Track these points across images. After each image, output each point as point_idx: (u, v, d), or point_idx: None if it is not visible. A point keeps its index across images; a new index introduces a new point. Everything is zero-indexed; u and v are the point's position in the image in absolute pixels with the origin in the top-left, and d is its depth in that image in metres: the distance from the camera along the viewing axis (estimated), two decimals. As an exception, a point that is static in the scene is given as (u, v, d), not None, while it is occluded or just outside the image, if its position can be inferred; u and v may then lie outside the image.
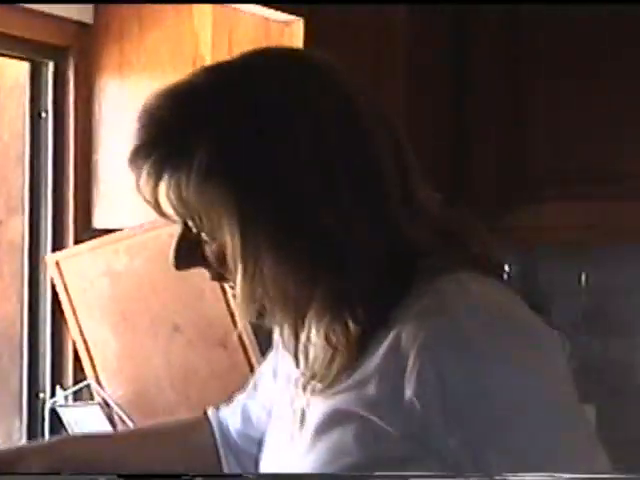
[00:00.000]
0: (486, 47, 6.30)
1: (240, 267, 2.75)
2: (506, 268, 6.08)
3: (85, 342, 4.95)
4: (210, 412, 3.50)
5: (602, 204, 5.98)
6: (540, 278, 6.50)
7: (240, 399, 3.40)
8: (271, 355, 3.24)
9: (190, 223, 2.82)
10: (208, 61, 5.12)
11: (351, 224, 2.77)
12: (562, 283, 6.49)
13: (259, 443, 3.21)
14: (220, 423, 3.43)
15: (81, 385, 4.98)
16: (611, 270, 6.45)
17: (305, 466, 2.87)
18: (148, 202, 2.82)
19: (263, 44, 5.01)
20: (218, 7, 5.16)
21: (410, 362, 2.68)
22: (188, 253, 2.86)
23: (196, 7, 5.19)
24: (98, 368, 4.94)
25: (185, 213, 2.78)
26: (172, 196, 2.77)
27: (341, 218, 2.77)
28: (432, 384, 2.66)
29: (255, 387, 3.36)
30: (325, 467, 2.85)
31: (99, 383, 4.96)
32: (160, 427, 3.99)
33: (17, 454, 3.47)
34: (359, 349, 2.77)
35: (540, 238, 6.23)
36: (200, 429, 3.44)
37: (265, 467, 3.20)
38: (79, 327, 4.98)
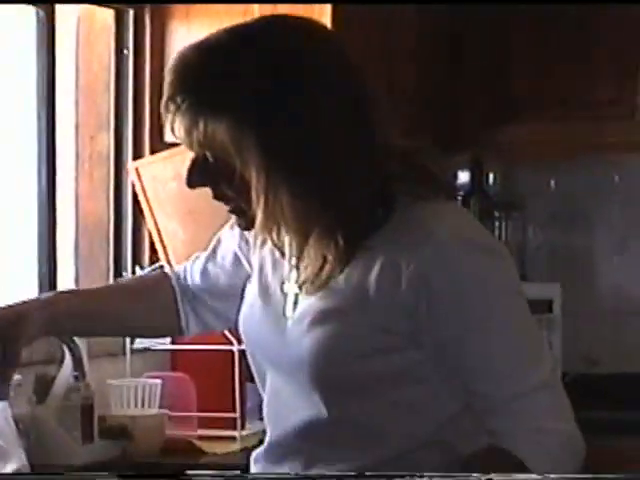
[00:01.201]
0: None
1: (262, 199, 2.95)
2: (491, 177, 6.79)
3: (159, 232, 5.28)
4: (168, 270, 3.69)
5: (559, 127, 6.39)
6: (519, 184, 6.83)
7: (198, 260, 3.49)
8: (231, 236, 3.38)
9: (211, 157, 3.00)
10: (256, 14, 5.30)
11: (345, 164, 3.02)
12: (535, 186, 6.84)
13: (218, 297, 3.46)
14: (179, 278, 3.51)
15: (155, 266, 5.26)
16: (574, 177, 6.81)
17: (302, 347, 3.08)
18: (182, 140, 2.98)
19: (299, 11, 5.64)
20: None
21: (404, 277, 2.98)
22: (199, 176, 3.04)
23: None
24: (169, 253, 5.27)
25: (215, 152, 2.97)
26: (206, 137, 2.97)
27: (339, 160, 3.01)
28: (422, 292, 2.99)
29: (214, 252, 3.47)
30: (320, 351, 3.05)
31: (169, 264, 5.15)
32: (132, 283, 4.34)
33: (19, 312, 3.39)
34: (343, 264, 3.04)
35: (519, 152, 6.66)
36: (162, 284, 3.54)
37: (246, 329, 3.35)
38: (154, 221, 5.32)
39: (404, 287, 3.00)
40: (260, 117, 3.01)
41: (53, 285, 5.26)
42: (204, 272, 3.48)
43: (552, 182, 6.82)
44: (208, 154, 3.01)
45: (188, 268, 3.54)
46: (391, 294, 3.01)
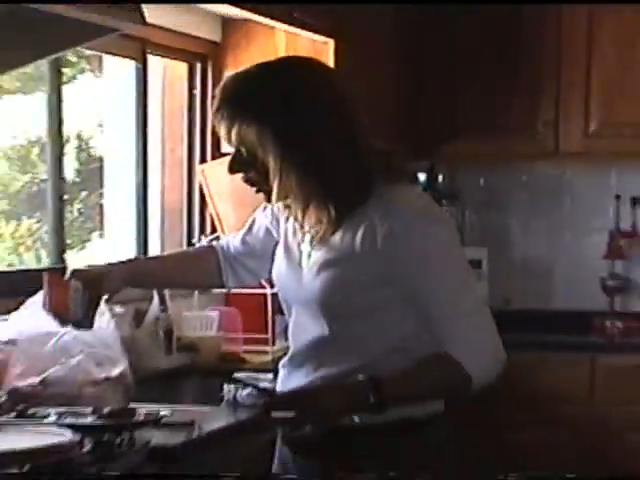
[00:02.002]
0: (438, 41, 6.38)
1: (277, 179, 3.04)
2: (440, 177, 6.60)
3: (217, 214, 5.25)
4: (215, 242, 3.75)
5: (486, 142, 6.29)
6: (458, 182, 6.73)
7: (238, 235, 3.54)
8: (264, 216, 3.42)
9: (244, 152, 3.08)
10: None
11: (336, 157, 3.08)
12: (469, 183, 6.77)
13: (252, 259, 3.50)
14: (222, 248, 3.54)
15: (212, 236, 5.28)
16: (498, 177, 6.75)
17: (312, 288, 3.15)
18: (224, 139, 3.11)
19: (311, 54, 5.19)
20: (289, 32, 5.25)
21: (379, 235, 3.03)
22: (236, 165, 3.11)
23: (277, 32, 5.30)
24: (224, 228, 5.22)
25: (246, 147, 3.04)
26: (239, 137, 3.04)
27: (331, 155, 3.07)
28: (391, 246, 3.03)
29: (250, 227, 3.49)
30: (324, 288, 3.11)
31: (224, 234, 5.08)
32: (188, 252, 4.45)
33: (106, 269, 3.45)
34: (335, 226, 3.11)
35: (458, 160, 6.62)
36: (210, 252, 3.57)
37: (278, 278, 3.37)
38: (214, 206, 5.27)
39: (379, 243, 3.04)
40: (275, 125, 3.04)
41: (145, 250, 5.24)
42: (243, 241, 3.50)
43: (481, 180, 6.77)
44: (242, 149, 3.07)
45: (230, 240, 3.59)
46: (370, 248, 3.05)
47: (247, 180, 3.16)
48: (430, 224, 3.14)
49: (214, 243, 3.74)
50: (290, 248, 3.32)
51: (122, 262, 3.72)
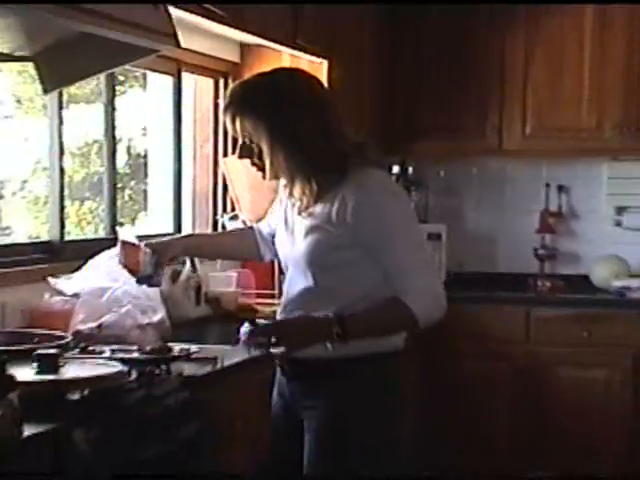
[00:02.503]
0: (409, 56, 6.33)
1: (269, 160, 3.08)
2: (410, 169, 6.45)
3: (236, 197, 5.17)
4: (254, 225, 3.67)
5: (445, 142, 6.24)
6: (423, 173, 6.61)
7: (265, 221, 3.53)
8: (279, 207, 3.33)
9: (247, 140, 3.10)
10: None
11: (314, 144, 3.08)
12: (432, 174, 6.64)
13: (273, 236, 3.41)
14: (257, 228, 3.53)
15: (233, 214, 5.19)
16: (454, 169, 6.63)
17: (300, 249, 3.16)
18: (232, 131, 3.14)
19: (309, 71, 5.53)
20: (293, 55, 5.16)
21: (349, 206, 3.01)
22: (243, 152, 3.12)
23: (283, 55, 5.18)
24: (241, 208, 5.15)
25: (247, 135, 3.07)
26: (242, 129, 3.07)
27: (310, 142, 3.07)
28: (358, 217, 3.03)
29: (272, 215, 3.45)
30: (310, 249, 3.12)
31: (240, 212, 5.12)
32: (234, 232, 4.30)
33: (170, 240, 3.58)
34: (316, 198, 3.11)
35: (423, 156, 6.48)
36: (250, 233, 3.56)
37: (279, 246, 3.39)
38: (233, 191, 5.19)
39: (348, 213, 3.03)
40: (267, 118, 3.06)
41: (179, 224, 5.19)
42: (269, 225, 3.48)
43: (441, 172, 6.66)
44: (245, 139, 3.10)
45: (261, 224, 3.57)
46: (342, 217, 3.04)
47: (252, 164, 3.16)
48: (388, 198, 3.12)
49: (253, 225, 3.72)
50: (287, 220, 3.30)
51: (183, 236, 3.93)
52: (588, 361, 5.80)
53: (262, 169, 3.17)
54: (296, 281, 3.26)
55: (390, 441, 3.26)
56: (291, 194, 3.23)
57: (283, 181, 3.24)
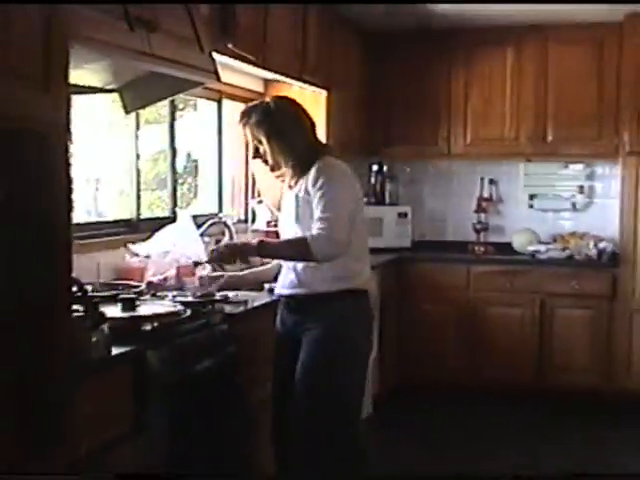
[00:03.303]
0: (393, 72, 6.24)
1: (270, 157, 3.16)
2: (385, 167, 6.34)
3: (259, 189, 5.08)
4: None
5: (411, 148, 6.20)
6: (391, 169, 6.42)
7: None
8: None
9: (257, 145, 3.19)
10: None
11: (299, 145, 3.14)
12: (401, 171, 6.49)
13: None
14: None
15: (258, 199, 5.04)
16: (417, 167, 6.51)
17: (290, 210, 3.17)
18: (244, 136, 3.26)
19: (312, 99, 5.20)
20: (301, 87, 5.06)
21: (311, 177, 3.06)
22: (255, 153, 3.22)
23: (293, 87, 5.07)
24: (263, 197, 5.01)
25: (257, 141, 3.16)
26: (252, 136, 3.17)
27: (297, 144, 3.13)
28: (313, 182, 3.05)
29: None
30: (295, 211, 3.13)
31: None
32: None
33: (241, 277, 3.59)
34: (298, 178, 3.14)
35: (395, 157, 6.34)
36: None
37: (280, 223, 3.37)
38: (258, 183, 5.07)
39: (310, 183, 3.07)
40: (268, 130, 3.13)
41: (221, 208, 5.07)
42: None
43: (407, 169, 6.55)
44: (256, 142, 3.19)
45: None
46: (308, 192, 3.07)
47: (262, 161, 3.23)
48: (330, 172, 3.09)
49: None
50: (283, 196, 3.33)
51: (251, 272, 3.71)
52: (510, 303, 5.76)
53: (269, 165, 3.22)
54: (287, 232, 3.25)
55: (362, 350, 3.25)
56: (284, 177, 3.22)
57: (278, 172, 3.24)
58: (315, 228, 3.05)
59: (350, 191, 3.14)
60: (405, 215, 6.24)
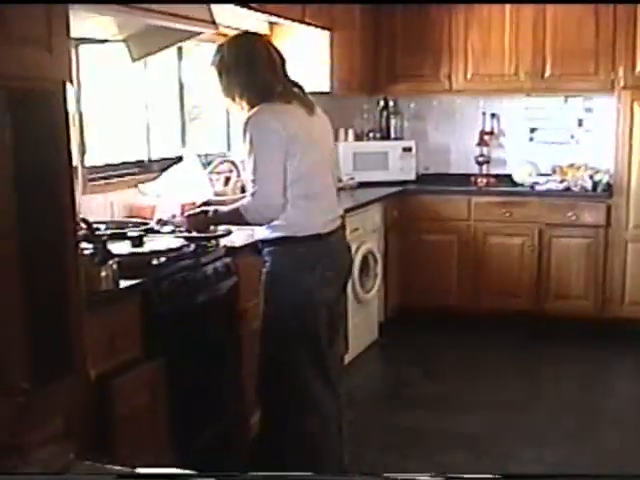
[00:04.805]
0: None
1: (223, 93, 3.02)
2: (390, 103, 6.52)
3: None
4: None
5: (414, 84, 6.21)
6: (395, 105, 6.49)
7: None
8: None
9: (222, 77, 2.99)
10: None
11: (246, 84, 2.96)
12: (406, 106, 6.50)
13: None
14: None
15: None
16: (421, 103, 6.51)
17: None
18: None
19: (316, 40, 5.23)
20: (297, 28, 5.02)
21: (241, 134, 2.91)
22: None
23: (292, 30, 5.02)
24: None
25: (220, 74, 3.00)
26: (217, 69, 3.00)
27: (244, 82, 2.96)
28: (244, 147, 2.91)
29: None
30: None
31: None
32: None
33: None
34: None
35: (399, 93, 6.37)
36: None
37: None
38: None
39: (241, 140, 2.94)
40: (219, 67, 3.03)
41: (229, 146, 5.10)
42: None
43: (412, 105, 6.58)
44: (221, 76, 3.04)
45: None
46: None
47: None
48: (254, 125, 2.91)
49: None
50: None
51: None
52: (509, 232, 5.85)
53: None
54: None
55: (304, 296, 3.04)
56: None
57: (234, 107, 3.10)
58: (248, 194, 2.98)
59: (275, 143, 2.90)
60: (409, 149, 6.30)
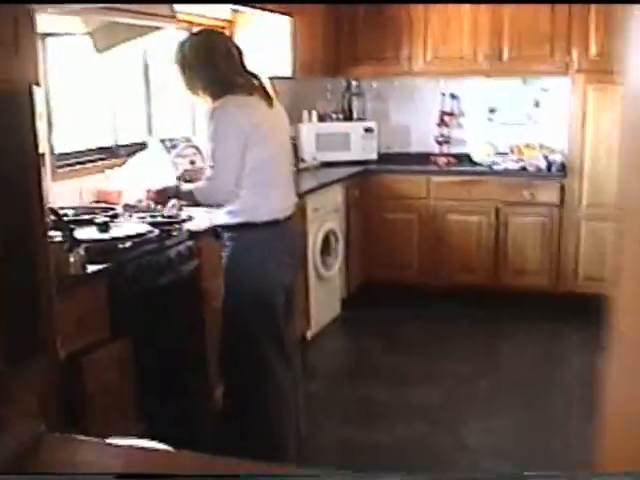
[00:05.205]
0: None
1: (186, 88, 3.09)
2: (353, 83, 6.53)
3: None
4: None
5: (376, 66, 6.28)
6: (358, 87, 6.62)
7: None
8: None
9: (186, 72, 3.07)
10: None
11: (206, 79, 3.04)
12: (368, 87, 6.61)
13: None
14: None
15: None
16: (382, 84, 6.61)
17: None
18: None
19: (276, 26, 5.28)
20: (267, 16, 5.06)
21: (203, 124, 3.01)
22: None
23: (254, 17, 5.02)
24: None
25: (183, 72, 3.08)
26: (180, 66, 3.08)
27: (205, 77, 3.05)
28: (205, 136, 3.01)
29: None
30: None
31: None
32: None
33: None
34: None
35: (360, 74, 6.48)
36: None
37: None
38: None
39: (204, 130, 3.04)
40: (180, 63, 3.10)
41: (194, 131, 5.11)
42: None
43: (374, 85, 6.68)
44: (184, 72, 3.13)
45: None
46: None
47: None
48: (216, 116, 3.01)
49: None
50: None
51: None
52: (468, 210, 5.99)
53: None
54: None
55: (263, 280, 3.15)
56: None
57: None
58: (204, 177, 3.10)
59: (237, 133, 3.01)
60: (371, 130, 6.42)
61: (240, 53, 3.18)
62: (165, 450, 1.65)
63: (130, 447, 1.59)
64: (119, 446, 1.56)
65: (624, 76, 0.82)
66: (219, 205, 3.10)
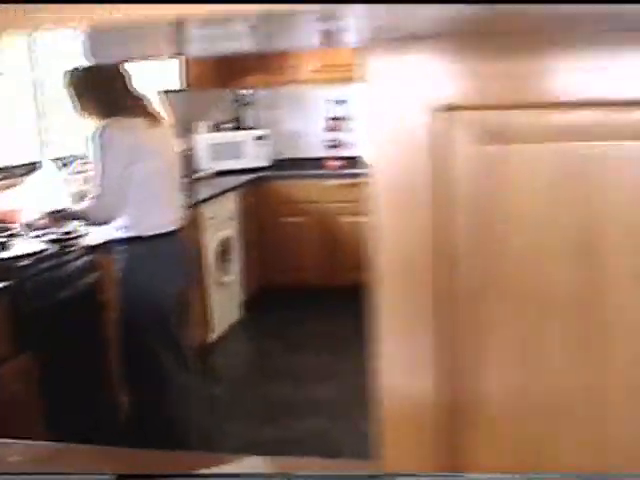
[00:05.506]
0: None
1: (82, 115, 3.13)
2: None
3: None
4: None
5: (265, 76, 6.30)
6: (250, 96, 6.71)
7: None
8: None
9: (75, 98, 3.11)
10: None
11: (91, 107, 3.10)
12: (258, 97, 6.65)
13: None
14: None
15: None
16: (271, 93, 6.72)
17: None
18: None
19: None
20: None
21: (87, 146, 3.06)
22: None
23: None
24: None
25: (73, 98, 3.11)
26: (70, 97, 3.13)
27: (89, 106, 3.13)
28: (91, 158, 3.07)
29: None
30: None
31: None
32: None
33: None
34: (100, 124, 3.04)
35: (248, 84, 6.50)
36: None
37: None
38: None
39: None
40: (68, 92, 3.16)
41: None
42: None
43: (264, 95, 6.77)
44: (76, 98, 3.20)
45: None
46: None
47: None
48: (98, 140, 3.08)
49: None
50: None
51: None
52: (359, 211, 5.95)
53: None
54: None
55: (155, 290, 3.23)
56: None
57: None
58: (90, 197, 3.18)
59: (118, 153, 3.09)
60: (263, 137, 6.54)
61: (128, 76, 3.27)
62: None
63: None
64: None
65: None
66: (107, 222, 3.18)
